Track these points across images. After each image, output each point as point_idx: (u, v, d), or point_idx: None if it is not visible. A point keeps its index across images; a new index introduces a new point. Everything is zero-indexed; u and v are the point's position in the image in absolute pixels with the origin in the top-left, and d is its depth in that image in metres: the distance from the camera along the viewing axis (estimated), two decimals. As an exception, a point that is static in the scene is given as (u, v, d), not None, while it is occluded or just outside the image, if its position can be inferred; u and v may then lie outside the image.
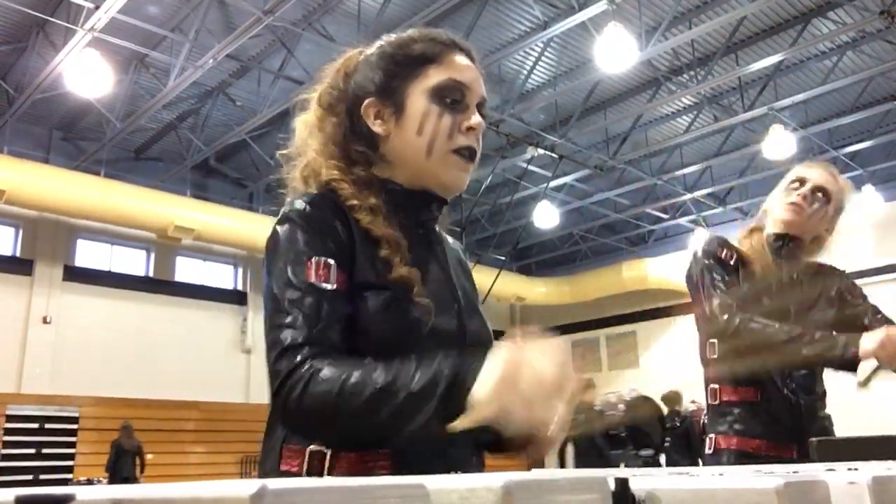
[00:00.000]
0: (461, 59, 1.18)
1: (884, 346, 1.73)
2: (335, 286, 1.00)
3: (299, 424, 0.97)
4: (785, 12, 8.69)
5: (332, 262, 1.01)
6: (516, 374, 0.80)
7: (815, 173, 2.07)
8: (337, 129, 1.18)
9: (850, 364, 1.78)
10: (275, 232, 1.07)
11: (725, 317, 1.87)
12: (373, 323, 1.03)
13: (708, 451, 1.97)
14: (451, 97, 1.14)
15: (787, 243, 2.05)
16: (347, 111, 1.19)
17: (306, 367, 0.93)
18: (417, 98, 1.14)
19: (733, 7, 8.19)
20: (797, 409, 1.94)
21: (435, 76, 1.15)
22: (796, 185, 2.06)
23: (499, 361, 0.83)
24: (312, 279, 1.00)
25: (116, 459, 9.27)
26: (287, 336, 0.96)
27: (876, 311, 2.07)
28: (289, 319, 0.98)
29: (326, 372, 0.91)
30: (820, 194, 2.03)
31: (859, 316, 2.05)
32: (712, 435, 1.97)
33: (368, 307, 1.04)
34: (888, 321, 1.99)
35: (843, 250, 2.20)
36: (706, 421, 2.04)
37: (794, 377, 1.95)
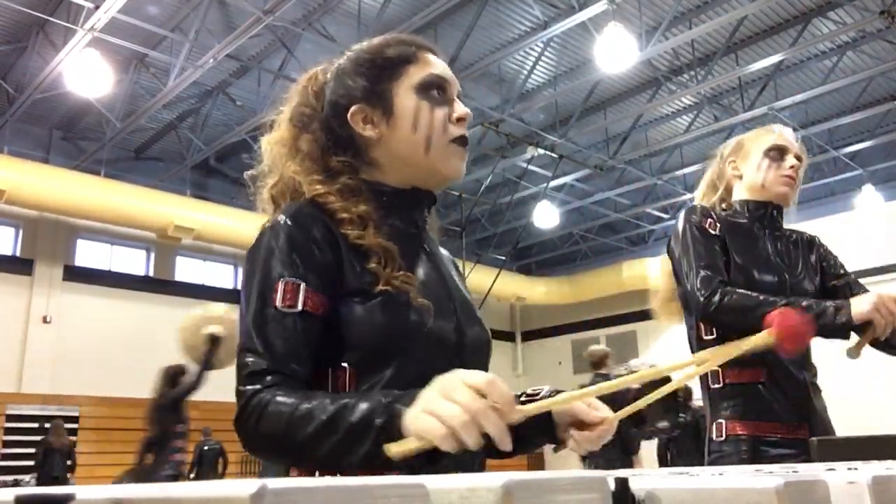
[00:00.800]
0: (432, 57, 1.20)
1: (878, 308, 1.68)
2: (302, 308, 1.00)
3: (255, 450, 0.99)
4: (785, 12, 8.69)
5: (302, 284, 1.01)
6: (440, 402, 0.81)
7: (790, 141, 2.05)
8: (313, 145, 1.18)
9: (842, 330, 1.73)
10: (256, 243, 1.07)
11: (705, 293, 1.79)
12: (368, 331, 1.03)
13: (718, 437, 1.85)
14: (435, 91, 1.16)
15: (771, 211, 2.02)
16: (323, 126, 1.19)
17: (263, 394, 0.94)
18: (405, 96, 1.15)
19: (733, 7, 8.20)
20: (803, 386, 1.87)
21: (416, 74, 1.16)
22: (775, 153, 2.01)
23: (427, 391, 0.84)
24: (279, 304, 1.00)
25: (44, 459, 8.97)
26: (250, 362, 0.98)
27: (858, 284, 2.02)
28: (253, 344, 0.99)
29: (279, 402, 0.93)
30: (799, 163, 2.03)
31: (841, 288, 1.99)
32: (721, 420, 1.86)
33: (363, 316, 1.03)
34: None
35: (843, 250, 2.19)
36: (707, 406, 1.92)
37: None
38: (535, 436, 1.13)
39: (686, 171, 12.24)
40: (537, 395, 1.12)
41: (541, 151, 10.80)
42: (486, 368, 1.20)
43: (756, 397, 1.85)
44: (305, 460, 0.94)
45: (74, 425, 10.50)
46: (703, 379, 1.93)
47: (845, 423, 2.01)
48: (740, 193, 2.06)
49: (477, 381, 0.81)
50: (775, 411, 1.83)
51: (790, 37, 8.86)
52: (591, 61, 8.51)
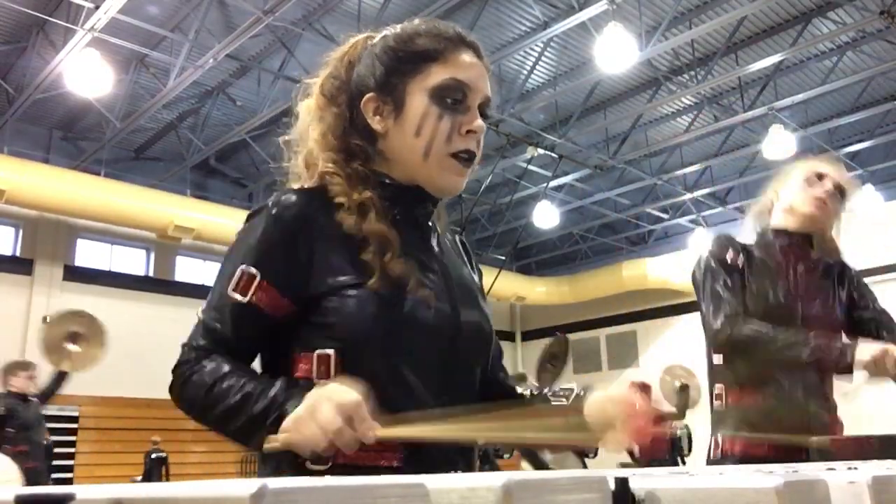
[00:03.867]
0: (466, 57, 1.16)
1: (876, 361, 1.73)
2: (248, 300, 1.05)
3: (185, 413, 1.06)
4: (785, 12, 8.69)
5: (257, 276, 1.05)
6: (306, 420, 0.90)
7: (833, 169, 2.05)
8: (337, 120, 1.16)
9: (847, 370, 1.78)
10: (245, 222, 1.12)
11: (720, 325, 1.86)
12: (360, 321, 1.03)
13: (715, 453, 1.93)
14: (452, 97, 1.12)
15: (798, 239, 2.02)
16: (348, 102, 1.17)
17: (188, 366, 1.04)
18: (418, 97, 1.12)
19: (733, 7, 8.19)
20: (805, 414, 1.89)
21: (437, 75, 1.12)
22: (813, 177, 2.02)
23: (305, 402, 0.92)
24: (230, 290, 1.06)
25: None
26: (193, 333, 1.08)
27: (887, 317, 2.04)
28: (203, 318, 1.08)
29: (200, 377, 1.02)
30: (839, 192, 2.02)
31: (867, 322, 2.01)
32: (718, 437, 1.94)
33: (354, 307, 1.03)
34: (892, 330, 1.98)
35: (843, 251, 2.19)
36: (711, 423, 2.00)
37: (806, 381, 1.91)
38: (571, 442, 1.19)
39: (686, 171, 12.23)
40: (570, 392, 1.15)
41: (541, 151, 10.79)
42: (484, 357, 1.21)
43: (754, 418, 1.90)
44: (218, 432, 1.03)
45: (74, 425, 10.50)
46: (710, 397, 2.01)
47: (845, 423, 2.01)
48: (776, 219, 2.08)
49: (345, 402, 0.89)
50: (771, 433, 1.88)
51: (790, 37, 8.85)
52: (591, 61, 8.50)
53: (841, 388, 1.87)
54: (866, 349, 1.75)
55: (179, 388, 1.04)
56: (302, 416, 0.90)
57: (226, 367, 1.02)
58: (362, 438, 0.89)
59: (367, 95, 1.14)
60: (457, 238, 1.32)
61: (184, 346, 1.07)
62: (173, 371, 1.05)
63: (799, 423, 1.88)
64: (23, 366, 5.73)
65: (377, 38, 1.20)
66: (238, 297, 1.05)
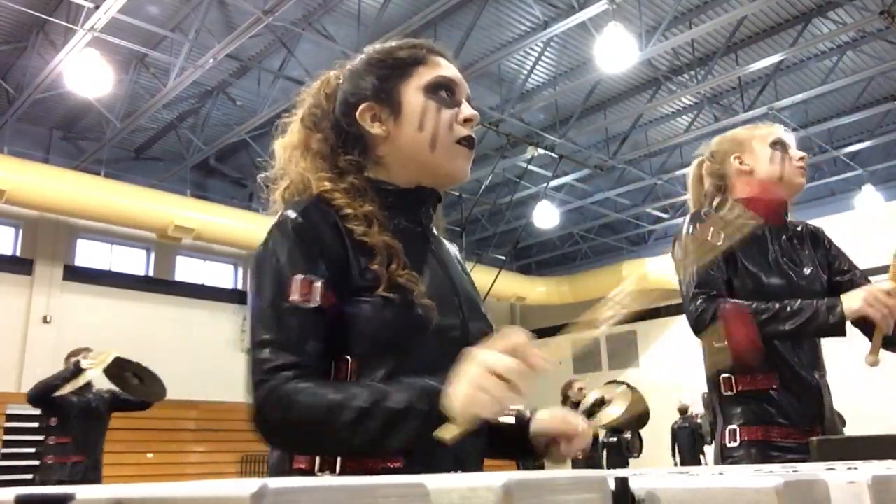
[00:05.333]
0: (443, 60, 1.22)
1: (869, 302, 1.67)
2: (317, 304, 1.02)
3: (281, 441, 1.02)
4: (785, 12, 8.69)
5: (315, 278, 1.02)
6: (478, 376, 0.88)
7: (788, 136, 2.04)
8: (323, 144, 1.20)
9: (836, 329, 1.72)
10: (266, 241, 1.08)
11: (697, 310, 1.79)
12: (374, 328, 1.04)
13: (732, 443, 1.84)
14: (444, 92, 1.18)
15: (776, 207, 1.99)
16: (333, 126, 1.21)
17: (287, 386, 0.96)
18: (413, 96, 1.17)
19: (733, 7, 8.19)
20: (816, 389, 1.86)
21: (426, 74, 1.18)
22: (780, 146, 1.99)
23: (461, 371, 0.90)
24: (294, 298, 1.01)
25: None
26: (268, 356, 0.99)
27: (865, 279, 2.00)
28: (270, 338, 1.00)
29: (308, 392, 0.95)
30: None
31: (845, 284, 1.96)
32: (734, 426, 1.85)
33: (368, 313, 1.05)
34: None
35: (842, 250, 2.18)
36: (719, 413, 1.92)
37: (802, 356, 1.87)
38: (513, 452, 1.27)
39: (686, 171, 12.16)
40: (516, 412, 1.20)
41: (541, 151, 10.79)
42: None
43: (769, 403, 1.84)
44: (339, 448, 0.97)
45: (74, 425, 10.50)
46: (716, 386, 1.92)
47: (853, 423, 2.01)
48: (746, 189, 2.00)
49: (508, 344, 0.91)
50: (788, 416, 1.83)
51: (790, 37, 8.85)
52: (591, 61, 8.51)
53: (863, 356, 1.74)
54: (852, 297, 1.70)
55: (282, 415, 0.95)
56: (479, 374, 0.89)
57: (325, 382, 0.99)
58: (540, 366, 0.91)
59: (363, 105, 1.18)
60: (455, 245, 1.34)
61: (257, 373, 0.99)
62: (260, 403, 0.97)
63: (811, 397, 1.85)
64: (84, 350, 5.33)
65: (353, 62, 1.25)
66: (304, 304, 1.01)
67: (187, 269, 12.71)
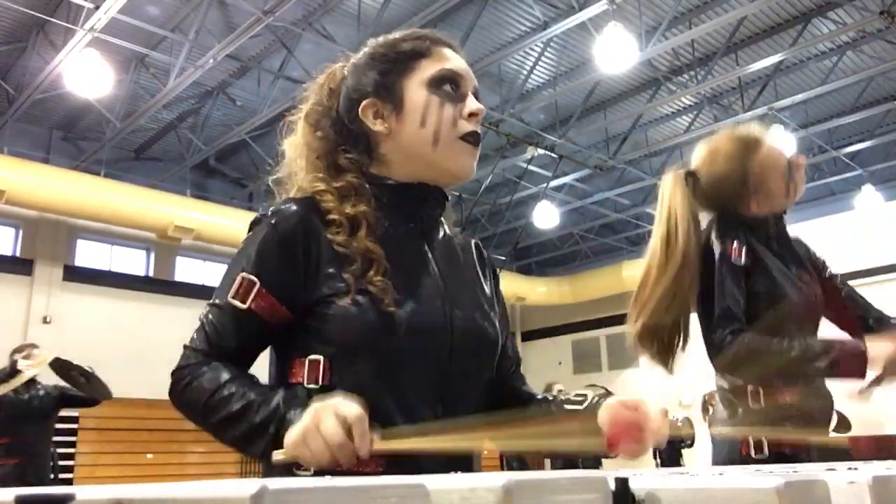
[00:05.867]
0: (448, 52, 1.20)
1: (892, 362, 1.68)
2: (248, 306, 1.06)
3: (183, 415, 1.08)
4: (785, 12, 8.68)
5: (256, 281, 1.06)
6: (311, 432, 0.90)
7: (787, 149, 2.06)
8: (322, 142, 1.19)
9: (862, 374, 1.74)
10: (247, 235, 1.13)
11: (719, 342, 1.77)
12: (342, 331, 1.05)
13: (743, 451, 1.83)
14: (448, 86, 1.15)
15: (777, 222, 2.00)
16: (334, 123, 1.20)
17: (188, 370, 1.05)
18: (416, 91, 1.15)
19: (733, 7, 8.19)
20: (829, 398, 1.89)
21: (429, 68, 1.16)
22: (787, 169, 2.00)
23: (307, 415, 0.92)
24: (230, 296, 1.07)
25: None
26: (194, 337, 1.09)
27: (844, 283, 2.04)
28: (202, 322, 1.09)
29: (200, 382, 1.03)
30: (799, 163, 2.05)
31: (838, 289, 2.01)
32: (750, 438, 1.83)
33: (336, 315, 1.05)
34: (854, 294, 1.99)
35: (843, 250, 2.18)
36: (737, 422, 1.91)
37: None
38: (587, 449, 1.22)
39: (686, 171, 12.22)
40: (583, 399, 1.16)
41: (541, 151, 10.79)
42: (489, 363, 1.20)
43: (786, 413, 1.83)
44: (216, 438, 1.05)
45: (74, 425, 10.50)
46: (739, 394, 1.90)
47: (859, 425, 2.01)
48: (750, 206, 2.00)
49: (348, 415, 0.90)
50: (804, 425, 1.83)
51: (790, 37, 8.85)
52: (591, 61, 8.50)
53: (854, 387, 1.80)
54: (879, 348, 1.71)
55: (179, 393, 1.05)
56: (309, 428, 0.91)
57: (226, 375, 1.03)
58: (360, 453, 0.90)
59: (365, 102, 1.16)
60: (472, 242, 1.31)
61: (184, 348, 1.09)
62: (173, 374, 1.07)
63: (824, 414, 1.87)
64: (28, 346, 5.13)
65: (357, 55, 1.23)
66: (238, 303, 1.07)
67: (187, 270, 12.70)
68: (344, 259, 1.07)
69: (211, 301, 1.10)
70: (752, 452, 1.84)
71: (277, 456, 0.94)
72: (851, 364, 1.72)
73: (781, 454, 1.81)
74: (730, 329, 1.76)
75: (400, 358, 1.06)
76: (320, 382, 1.04)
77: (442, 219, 1.24)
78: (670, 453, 9.53)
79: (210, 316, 1.09)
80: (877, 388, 1.77)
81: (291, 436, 0.92)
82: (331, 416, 0.90)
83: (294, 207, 1.10)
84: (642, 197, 13.55)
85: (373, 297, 1.05)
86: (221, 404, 1.00)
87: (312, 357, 1.06)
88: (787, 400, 1.84)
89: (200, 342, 1.07)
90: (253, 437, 0.98)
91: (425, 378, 1.08)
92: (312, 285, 1.06)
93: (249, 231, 1.12)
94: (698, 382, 7.19)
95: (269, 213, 1.10)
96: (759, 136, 2.03)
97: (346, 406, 0.91)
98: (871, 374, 1.74)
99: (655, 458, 9.94)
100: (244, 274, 1.07)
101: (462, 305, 1.15)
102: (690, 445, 8.80)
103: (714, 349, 1.80)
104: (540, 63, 9.59)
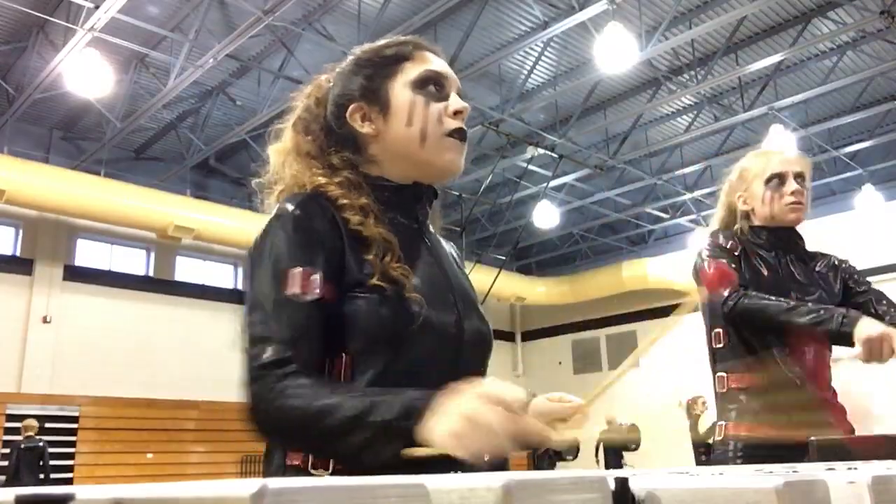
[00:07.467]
0: (430, 55, 1.22)
1: (873, 342, 1.73)
2: (317, 296, 1.00)
3: (272, 436, 1.00)
4: (785, 12, 8.69)
5: (313, 270, 1.01)
6: (473, 418, 0.80)
7: (787, 160, 2.10)
8: (314, 145, 1.20)
9: (844, 339, 1.80)
10: (263, 233, 1.07)
11: (726, 291, 1.90)
12: (366, 322, 1.03)
13: (718, 437, 1.98)
14: (432, 86, 1.18)
15: (786, 236, 2.08)
16: (324, 127, 1.21)
17: (283, 382, 0.94)
18: (401, 92, 1.17)
19: (733, 7, 8.19)
20: (804, 395, 1.92)
21: (413, 70, 1.18)
22: (775, 181, 2.05)
23: (454, 406, 0.83)
24: (292, 291, 0.99)
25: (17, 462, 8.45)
26: (263, 350, 0.97)
27: (880, 297, 2.07)
28: (266, 332, 0.98)
29: (302, 390, 0.92)
30: (801, 180, 2.07)
31: (865, 304, 2.04)
32: (722, 423, 1.97)
33: (361, 307, 1.04)
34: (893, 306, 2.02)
35: (843, 250, 2.20)
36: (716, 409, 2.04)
37: (803, 364, 1.94)
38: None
39: (686, 171, 12.23)
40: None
41: (541, 151, 10.79)
42: (486, 361, 1.21)
43: (754, 401, 1.93)
44: (326, 451, 0.96)
45: (74, 425, 10.51)
46: (714, 384, 2.03)
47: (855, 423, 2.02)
48: (756, 219, 2.12)
49: (510, 399, 0.81)
50: (771, 415, 1.89)
51: (790, 37, 8.85)
52: (591, 61, 8.51)
53: (832, 355, 1.90)
54: (869, 326, 1.76)
55: (275, 411, 0.93)
56: (469, 416, 0.80)
57: (321, 382, 0.96)
58: (529, 440, 0.82)
59: (352, 106, 1.18)
60: (451, 244, 1.33)
61: (252, 368, 0.97)
62: (259, 396, 0.95)
63: (798, 403, 1.91)
64: None
65: (342, 64, 1.25)
66: (303, 297, 0.99)
67: (187, 269, 12.71)
68: (364, 242, 1.06)
69: (253, 313, 1.01)
70: (715, 436, 1.99)
71: (416, 451, 0.84)
72: (836, 324, 1.79)
73: (778, 454, 1.82)
74: (731, 286, 1.93)
75: (417, 353, 1.05)
76: (342, 380, 1.03)
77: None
78: (614, 458, 9.63)
79: (267, 323, 0.99)
80: (849, 362, 1.84)
81: (441, 430, 0.82)
82: (487, 401, 0.82)
83: (304, 198, 1.09)
84: (642, 197, 13.56)
85: (395, 288, 1.04)
86: (335, 409, 0.89)
87: (338, 353, 1.03)
88: (749, 385, 1.94)
89: (275, 352, 0.96)
90: (383, 438, 0.87)
91: (438, 377, 1.08)
92: (346, 268, 1.05)
93: (271, 225, 1.07)
94: (698, 382, 7.20)
95: (289, 205, 1.08)
96: (763, 155, 2.19)
97: (505, 389, 0.83)
98: (854, 350, 1.80)
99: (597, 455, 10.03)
100: (298, 267, 1.01)
101: (464, 302, 1.16)
102: (635, 449, 8.85)
103: (720, 306, 1.92)
104: (540, 63, 9.59)
